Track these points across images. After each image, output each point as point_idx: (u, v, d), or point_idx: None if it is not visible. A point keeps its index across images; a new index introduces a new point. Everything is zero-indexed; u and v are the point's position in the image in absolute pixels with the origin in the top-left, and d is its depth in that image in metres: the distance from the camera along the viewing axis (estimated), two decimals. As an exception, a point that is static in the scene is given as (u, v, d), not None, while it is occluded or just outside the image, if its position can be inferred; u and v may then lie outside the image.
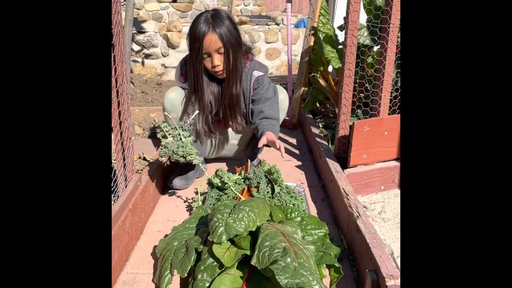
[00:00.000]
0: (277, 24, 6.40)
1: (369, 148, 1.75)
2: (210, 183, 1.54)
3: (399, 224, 1.57)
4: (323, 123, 2.55)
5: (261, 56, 4.38)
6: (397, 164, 1.82)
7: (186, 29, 4.44)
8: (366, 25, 2.36)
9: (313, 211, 1.65)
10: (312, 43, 2.57)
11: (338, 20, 3.01)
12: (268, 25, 6.40)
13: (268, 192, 1.47)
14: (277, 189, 1.47)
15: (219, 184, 1.49)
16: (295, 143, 2.46)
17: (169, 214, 1.62)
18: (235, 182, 1.51)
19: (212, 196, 1.53)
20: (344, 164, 1.78)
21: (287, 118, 2.87)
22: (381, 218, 1.62)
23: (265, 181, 1.49)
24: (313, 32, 2.48)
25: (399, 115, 1.78)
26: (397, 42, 2.29)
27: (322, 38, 2.42)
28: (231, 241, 1.12)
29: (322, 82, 2.50)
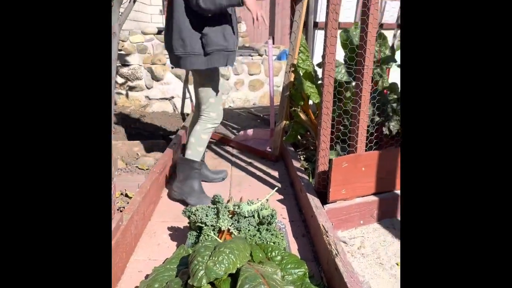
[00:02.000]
0: (260, 55, 6.54)
1: (348, 183, 1.80)
2: (190, 222, 1.55)
3: (378, 259, 1.60)
4: (304, 156, 2.61)
5: (244, 87, 4.46)
6: (375, 198, 1.87)
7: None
8: (343, 62, 2.46)
9: (294, 247, 1.68)
10: (292, 79, 2.65)
11: (318, 56, 3.12)
12: (252, 56, 6.54)
13: (249, 230, 1.50)
14: (262, 229, 1.50)
15: (199, 223, 1.50)
16: (277, 176, 2.50)
17: (150, 253, 1.62)
18: (218, 219, 1.53)
19: (193, 235, 1.55)
20: (324, 199, 1.82)
21: (269, 150, 2.91)
22: (360, 253, 1.65)
23: (247, 221, 1.51)
24: (293, 69, 2.57)
25: (376, 152, 1.84)
26: (373, 79, 2.38)
27: (302, 75, 2.50)
28: (212, 284, 1.13)
29: (302, 116, 2.57)
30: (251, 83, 4.49)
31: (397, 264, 1.58)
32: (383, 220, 1.91)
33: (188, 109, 4.09)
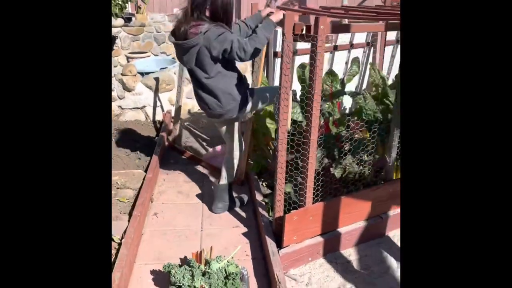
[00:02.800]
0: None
1: (298, 231, 2.21)
2: (170, 282, 1.93)
3: (320, 298, 2.05)
4: (266, 183, 2.98)
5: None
6: (321, 239, 2.29)
7: (138, 65, 4.65)
8: (298, 102, 2.79)
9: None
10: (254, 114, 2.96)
11: (277, 81, 3.39)
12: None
13: (218, 285, 1.89)
14: (229, 283, 1.89)
15: (178, 283, 1.88)
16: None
17: (139, 302, 2.00)
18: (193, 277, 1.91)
19: (174, 290, 1.93)
20: (280, 241, 2.23)
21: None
22: (307, 291, 2.10)
23: (216, 276, 1.90)
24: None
25: (321, 203, 2.24)
26: (324, 115, 2.70)
27: (262, 113, 2.82)
28: None
29: (264, 148, 2.91)
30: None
31: (335, 301, 2.03)
32: (328, 254, 2.34)
33: (159, 116, 4.33)
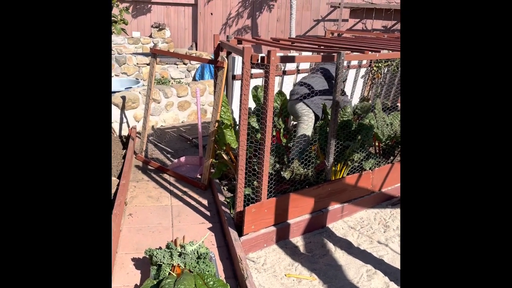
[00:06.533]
0: (185, 64, 7.16)
1: (256, 221, 2.70)
2: (152, 261, 2.33)
3: (274, 273, 2.54)
4: (227, 187, 3.46)
5: (174, 108, 5.14)
6: (274, 228, 2.80)
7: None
8: (255, 113, 3.32)
9: (220, 268, 2.54)
10: (216, 127, 3.45)
11: (235, 100, 3.90)
12: (177, 64, 7.14)
13: (191, 263, 2.32)
14: (200, 262, 2.33)
15: (159, 262, 2.30)
16: (207, 204, 3.33)
17: (124, 281, 2.38)
18: (171, 255, 2.33)
19: (154, 268, 2.34)
20: (240, 230, 2.70)
21: (199, 176, 3.72)
22: (263, 269, 2.58)
23: (190, 257, 2.34)
24: (217, 124, 3.37)
25: (274, 199, 2.76)
26: (276, 127, 3.26)
27: (223, 127, 3.31)
28: (174, 308, 1.95)
29: (225, 157, 3.40)
30: (179, 103, 5.17)
31: (286, 275, 2.53)
32: (279, 241, 2.85)
33: (125, 132, 4.69)
